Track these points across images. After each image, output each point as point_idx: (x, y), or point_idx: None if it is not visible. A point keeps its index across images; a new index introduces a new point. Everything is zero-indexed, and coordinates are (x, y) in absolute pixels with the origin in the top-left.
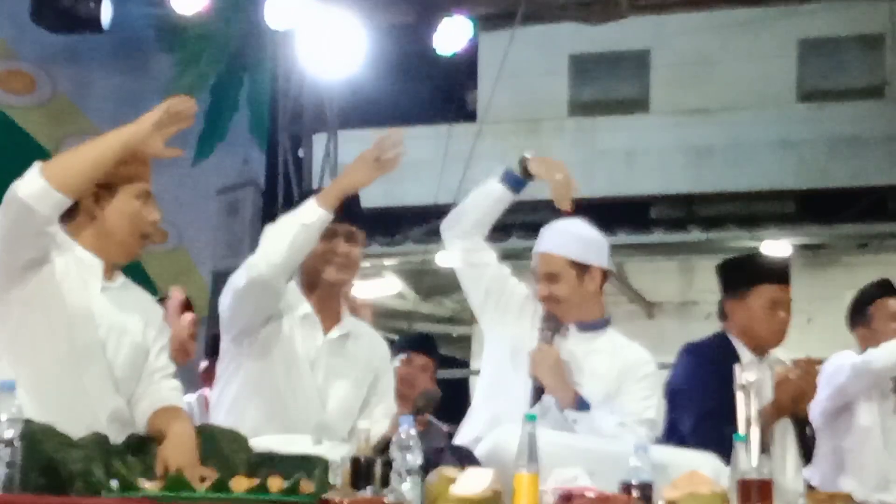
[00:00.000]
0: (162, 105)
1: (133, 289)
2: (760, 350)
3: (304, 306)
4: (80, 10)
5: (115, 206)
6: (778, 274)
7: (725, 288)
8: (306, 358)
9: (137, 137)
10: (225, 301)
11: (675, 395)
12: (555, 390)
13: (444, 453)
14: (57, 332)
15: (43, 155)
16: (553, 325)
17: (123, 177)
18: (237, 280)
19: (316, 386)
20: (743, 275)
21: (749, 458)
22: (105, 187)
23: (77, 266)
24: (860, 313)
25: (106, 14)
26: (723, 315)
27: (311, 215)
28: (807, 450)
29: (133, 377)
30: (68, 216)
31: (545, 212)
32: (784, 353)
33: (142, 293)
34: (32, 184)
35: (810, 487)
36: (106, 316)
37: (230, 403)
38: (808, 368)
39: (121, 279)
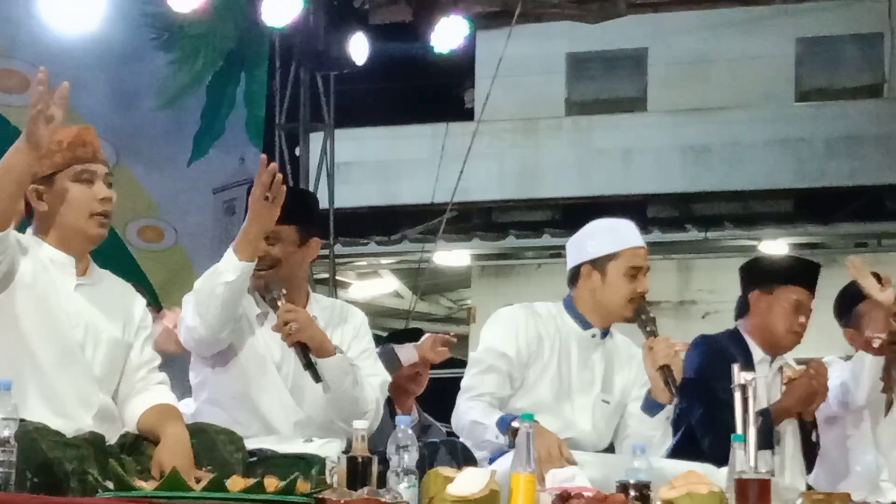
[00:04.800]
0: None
1: (110, 281)
2: (773, 351)
3: (260, 306)
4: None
5: (57, 195)
6: (808, 278)
7: (753, 281)
8: (271, 358)
9: (28, 151)
10: (182, 338)
11: (685, 385)
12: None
13: (439, 449)
14: (32, 338)
15: None
16: (650, 318)
17: (56, 164)
18: (185, 337)
19: (286, 385)
20: (776, 271)
21: (747, 458)
22: (43, 181)
23: (47, 268)
24: (847, 313)
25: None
26: (742, 310)
27: (232, 272)
28: (810, 455)
29: (114, 373)
30: (29, 219)
31: (541, 211)
32: (789, 356)
33: (120, 285)
34: None
35: (807, 487)
36: (82, 314)
37: (206, 413)
38: (819, 370)
39: (96, 273)
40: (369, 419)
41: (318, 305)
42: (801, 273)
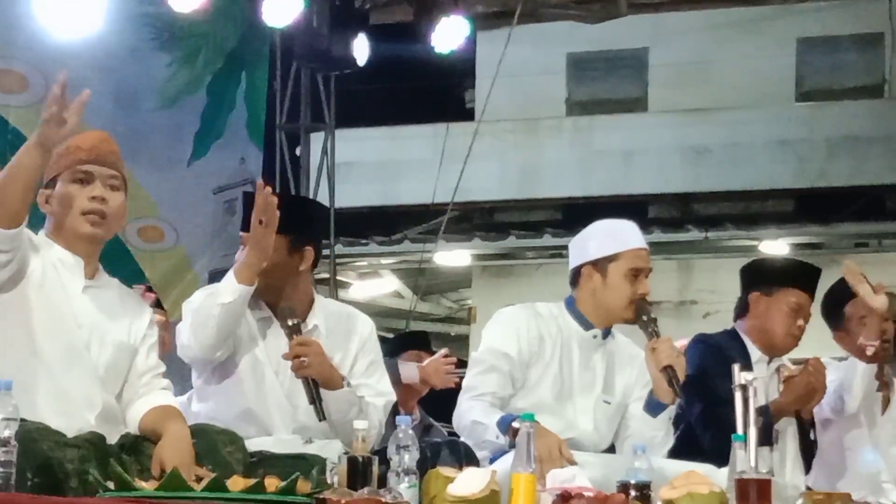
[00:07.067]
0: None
1: (118, 287)
2: (770, 352)
3: (262, 311)
4: None
5: (57, 196)
6: (808, 282)
7: (753, 282)
8: (270, 365)
9: (36, 150)
10: (178, 352)
11: (684, 383)
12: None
13: (442, 449)
14: (39, 336)
15: None
16: (651, 319)
17: (60, 168)
18: (180, 353)
19: (284, 391)
20: (776, 273)
21: (748, 457)
22: (49, 185)
23: (56, 268)
24: (835, 315)
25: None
26: (741, 310)
27: (230, 294)
28: (808, 454)
29: (118, 376)
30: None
31: (542, 212)
32: (787, 357)
33: (127, 291)
34: None
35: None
36: (88, 315)
37: (204, 418)
38: (818, 367)
39: (104, 278)
40: (370, 443)
41: (324, 312)
42: (802, 276)
